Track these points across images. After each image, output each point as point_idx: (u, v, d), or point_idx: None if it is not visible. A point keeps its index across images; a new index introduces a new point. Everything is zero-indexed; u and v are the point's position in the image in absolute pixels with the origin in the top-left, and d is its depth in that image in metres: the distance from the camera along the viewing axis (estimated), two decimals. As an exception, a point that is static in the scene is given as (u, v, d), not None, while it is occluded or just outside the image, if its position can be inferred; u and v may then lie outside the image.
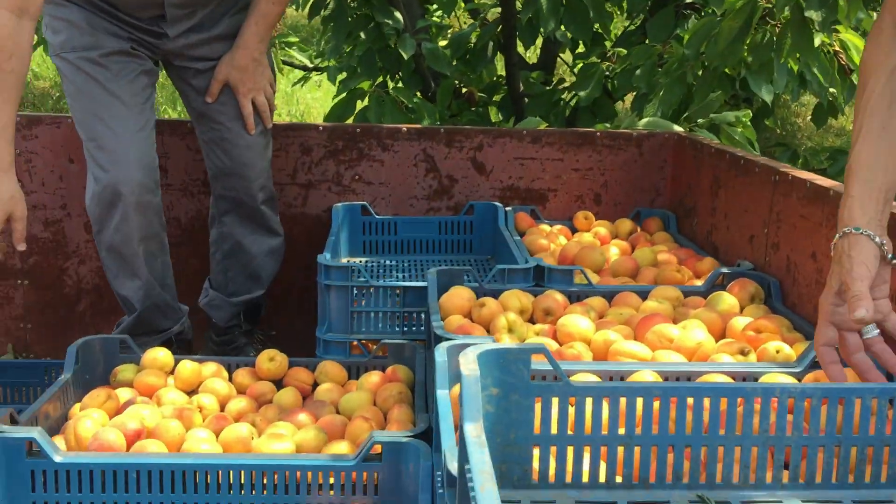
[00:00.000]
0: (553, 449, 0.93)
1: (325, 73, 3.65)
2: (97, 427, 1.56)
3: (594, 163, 2.64)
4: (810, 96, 4.50)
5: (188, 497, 1.42)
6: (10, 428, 1.44)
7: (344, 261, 2.48)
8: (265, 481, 1.43)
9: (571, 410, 0.93)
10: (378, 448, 1.43)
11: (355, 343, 1.95)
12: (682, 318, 1.74)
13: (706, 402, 0.94)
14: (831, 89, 3.01)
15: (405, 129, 2.58)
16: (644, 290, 1.89)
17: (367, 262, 2.50)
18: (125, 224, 2.04)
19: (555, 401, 0.92)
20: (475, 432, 0.78)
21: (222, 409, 1.75)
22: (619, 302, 1.85)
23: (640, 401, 0.93)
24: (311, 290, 2.59)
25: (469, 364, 0.85)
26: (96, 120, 2.06)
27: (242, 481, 1.43)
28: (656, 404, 0.93)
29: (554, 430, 0.92)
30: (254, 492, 1.43)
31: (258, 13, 2.15)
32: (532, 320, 1.80)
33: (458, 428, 0.90)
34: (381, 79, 3.15)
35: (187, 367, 1.81)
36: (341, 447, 1.55)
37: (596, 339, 1.62)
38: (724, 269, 1.93)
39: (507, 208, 2.55)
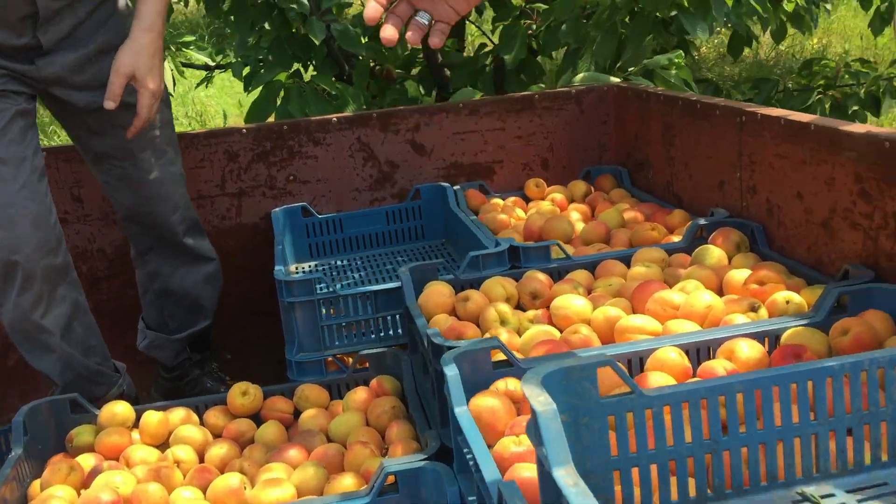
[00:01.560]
0: (635, 470, 0.82)
1: (228, 70, 3.42)
2: (67, 507, 1.39)
3: (536, 127, 2.53)
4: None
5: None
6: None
7: (292, 269, 2.32)
8: (273, 537, 1.28)
9: (648, 422, 0.82)
10: (392, 478, 1.30)
11: (330, 359, 1.80)
12: (674, 280, 1.65)
13: (793, 388, 0.84)
14: (754, 18, 2.97)
15: (335, 118, 2.42)
16: (625, 256, 1.79)
17: (316, 266, 2.34)
18: (26, 296, 1.75)
19: (629, 416, 0.81)
20: (572, 480, 0.65)
21: (201, 459, 1.58)
22: (604, 272, 1.75)
23: (722, 399, 0.82)
24: (260, 305, 2.43)
25: (538, 396, 0.72)
26: None
27: (248, 542, 1.28)
28: (740, 400, 0.83)
29: (632, 448, 0.81)
30: (262, 550, 1.29)
31: None
32: (519, 306, 1.69)
33: (538, 461, 0.78)
34: (295, 67, 2.95)
35: (153, 417, 1.63)
36: (346, 482, 1.40)
37: (596, 317, 1.51)
38: (702, 221, 1.85)
39: (455, 187, 2.42)
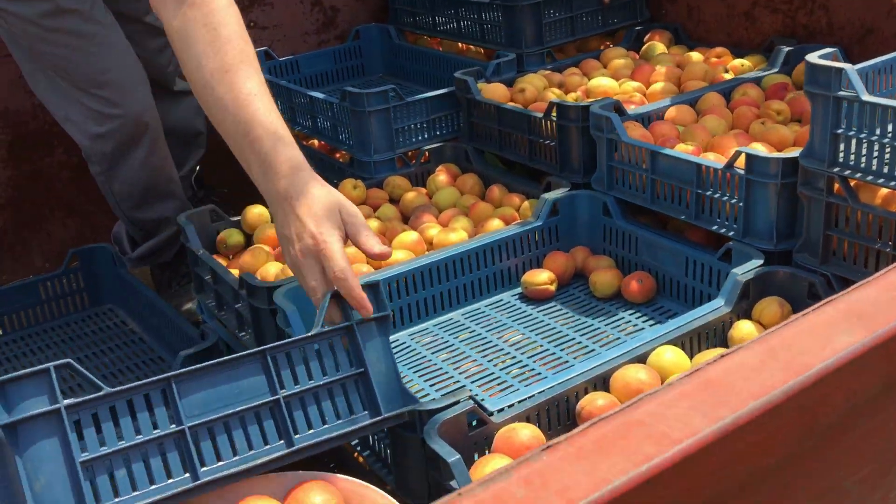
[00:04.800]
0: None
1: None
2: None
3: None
4: None
5: (453, 282, 1.67)
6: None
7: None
8: (483, 258, 1.72)
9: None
10: (556, 205, 1.78)
11: (398, 157, 2.16)
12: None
13: None
14: None
15: (285, -33, 2.63)
16: (595, 56, 2.35)
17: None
18: (156, 154, 1.98)
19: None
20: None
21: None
22: (588, 69, 2.29)
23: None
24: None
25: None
26: (83, 55, 1.86)
27: (466, 262, 1.70)
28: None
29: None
30: (472, 271, 1.71)
31: None
32: (548, 95, 2.19)
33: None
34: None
35: (299, 211, 1.92)
36: (495, 223, 1.85)
37: (625, 89, 2.07)
38: (639, 27, 2.45)
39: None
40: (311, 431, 1.09)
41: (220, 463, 1.04)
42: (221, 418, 1.05)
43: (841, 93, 1.29)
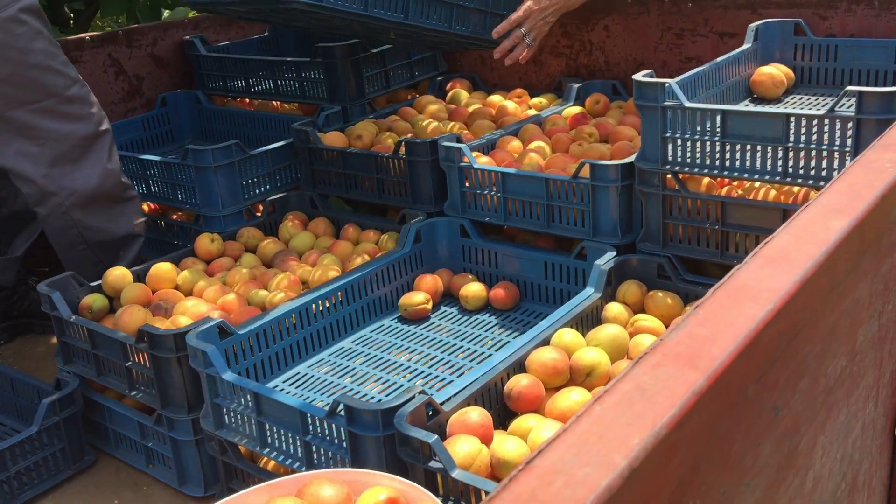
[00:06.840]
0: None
1: None
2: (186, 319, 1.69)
3: (237, 38, 3.03)
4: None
5: (339, 312, 1.75)
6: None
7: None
8: (362, 288, 1.83)
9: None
10: (419, 232, 1.94)
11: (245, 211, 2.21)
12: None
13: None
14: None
15: (88, 37, 2.59)
16: (409, 104, 2.57)
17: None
18: (114, 159, 2.03)
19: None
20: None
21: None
22: (407, 114, 2.50)
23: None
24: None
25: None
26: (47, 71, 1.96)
27: (349, 293, 1.80)
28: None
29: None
30: (355, 300, 1.82)
31: None
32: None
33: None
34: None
35: (166, 266, 1.91)
36: (358, 260, 1.97)
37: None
38: (439, 77, 2.70)
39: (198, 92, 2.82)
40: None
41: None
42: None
43: (667, 103, 1.58)
